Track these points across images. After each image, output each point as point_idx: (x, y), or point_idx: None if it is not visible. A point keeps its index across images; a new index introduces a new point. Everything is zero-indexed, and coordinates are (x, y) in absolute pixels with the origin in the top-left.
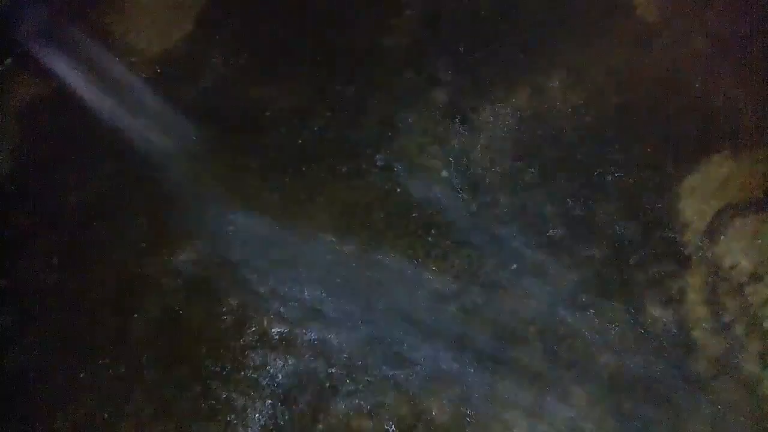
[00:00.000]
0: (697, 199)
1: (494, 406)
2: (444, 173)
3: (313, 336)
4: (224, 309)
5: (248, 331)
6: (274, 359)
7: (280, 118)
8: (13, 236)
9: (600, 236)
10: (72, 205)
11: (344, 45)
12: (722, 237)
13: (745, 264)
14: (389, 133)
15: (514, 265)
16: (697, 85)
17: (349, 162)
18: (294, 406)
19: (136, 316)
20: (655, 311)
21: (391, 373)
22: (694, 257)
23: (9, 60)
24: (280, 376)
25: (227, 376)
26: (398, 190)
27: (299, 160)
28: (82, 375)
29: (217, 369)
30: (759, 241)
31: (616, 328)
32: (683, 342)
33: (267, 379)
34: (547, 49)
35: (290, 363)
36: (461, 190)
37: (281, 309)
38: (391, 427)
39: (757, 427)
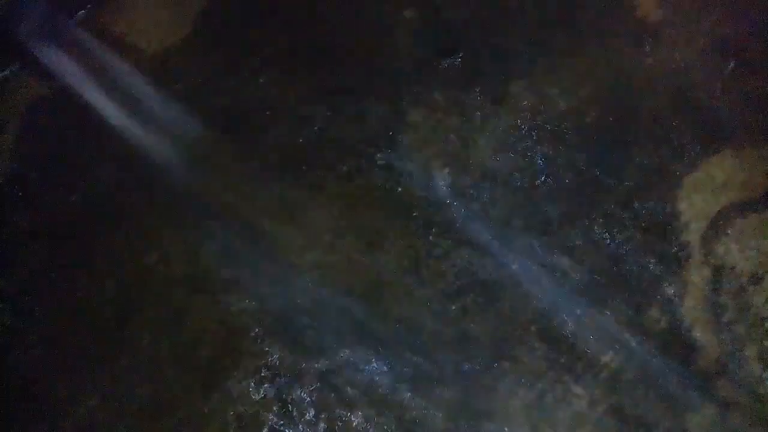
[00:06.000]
0: (697, 198)
1: (494, 406)
2: (445, 172)
3: (309, 336)
4: (224, 308)
5: (247, 332)
6: (274, 359)
7: (280, 118)
8: (13, 236)
9: (600, 236)
10: (72, 205)
11: (345, 44)
12: (722, 237)
13: (746, 264)
14: (390, 133)
15: (514, 265)
16: (697, 85)
17: (350, 161)
18: (296, 407)
19: (136, 316)
20: (655, 311)
21: (389, 373)
22: (694, 257)
23: (12, 68)
24: (278, 372)
25: (228, 376)
26: (399, 189)
27: (299, 159)
28: (82, 375)
29: (219, 369)
30: (759, 241)
31: (616, 328)
32: (683, 342)
33: (267, 374)
34: (547, 48)
35: (288, 363)
36: (462, 189)
37: (279, 310)
38: (391, 428)
39: (757, 427)
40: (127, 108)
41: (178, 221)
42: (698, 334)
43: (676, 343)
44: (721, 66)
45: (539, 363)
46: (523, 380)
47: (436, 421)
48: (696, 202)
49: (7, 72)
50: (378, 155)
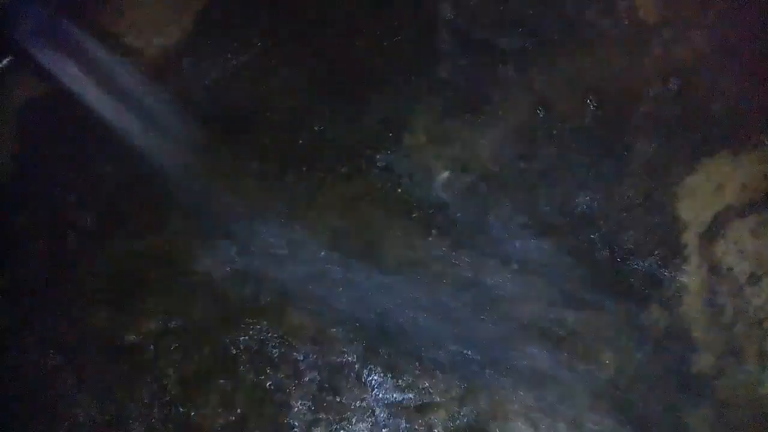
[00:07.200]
0: (696, 199)
1: (494, 406)
2: (444, 173)
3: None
4: (223, 307)
5: (248, 332)
6: (274, 357)
7: (280, 118)
8: (12, 236)
9: (600, 237)
10: (72, 205)
11: (345, 45)
12: (722, 238)
13: (745, 265)
14: (390, 134)
15: (515, 265)
16: (696, 86)
17: (349, 162)
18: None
19: (135, 316)
20: (655, 311)
21: (389, 374)
22: (694, 258)
23: (8, 59)
24: (280, 369)
25: (231, 375)
26: (398, 190)
27: (299, 160)
28: (82, 376)
29: (219, 368)
30: (758, 241)
31: (616, 328)
32: (683, 342)
33: (268, 372)
34: (546, 49)
35: (285, 359)
36: (461, 190)
37: (281, 310)
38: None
39: (757, 427)
40: (126, 108)
41: (177, 221)
42: (698, 334)
43: (676, 343)
44: (721, 66)
45: (539, 363)
46: (522, 380)
47: (435, 422)
48: (695, 203)
49: (4, 64)
50: (378, 156)
